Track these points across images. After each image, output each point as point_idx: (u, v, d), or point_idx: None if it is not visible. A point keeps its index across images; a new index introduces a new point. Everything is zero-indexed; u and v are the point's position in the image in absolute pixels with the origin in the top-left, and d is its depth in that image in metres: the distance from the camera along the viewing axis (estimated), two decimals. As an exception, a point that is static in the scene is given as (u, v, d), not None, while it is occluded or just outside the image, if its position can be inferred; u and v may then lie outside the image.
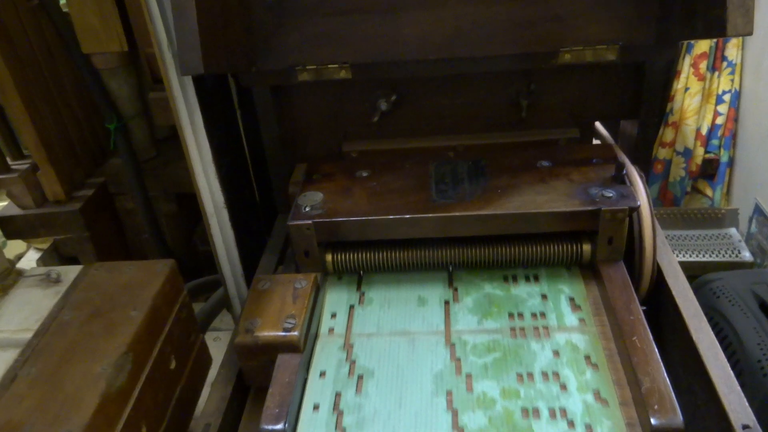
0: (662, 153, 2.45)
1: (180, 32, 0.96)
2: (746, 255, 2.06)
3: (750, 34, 0.88)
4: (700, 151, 2.40)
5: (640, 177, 1.08)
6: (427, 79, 1.27)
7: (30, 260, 1.81)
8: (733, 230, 2.18)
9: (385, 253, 1.09)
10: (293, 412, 0.87)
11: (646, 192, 1.05)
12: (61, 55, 1.71)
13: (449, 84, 1.28)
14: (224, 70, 1.21)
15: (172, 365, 1.13)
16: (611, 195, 1.02)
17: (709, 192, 2.48)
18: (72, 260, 1.77)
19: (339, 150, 1.34)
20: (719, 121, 2.34)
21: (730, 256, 2.08)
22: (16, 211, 1.73)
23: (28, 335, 1.03)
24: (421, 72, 1.20)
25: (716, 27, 0.91)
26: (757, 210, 2.10)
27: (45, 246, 1.81)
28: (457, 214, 1.03)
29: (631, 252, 1.07)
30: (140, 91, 1.76)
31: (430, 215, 1.04)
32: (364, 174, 1.17)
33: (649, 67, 1.20)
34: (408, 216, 1.04)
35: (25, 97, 1.56)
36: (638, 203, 1.01)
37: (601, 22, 1.10)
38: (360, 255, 1.10)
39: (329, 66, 1.17)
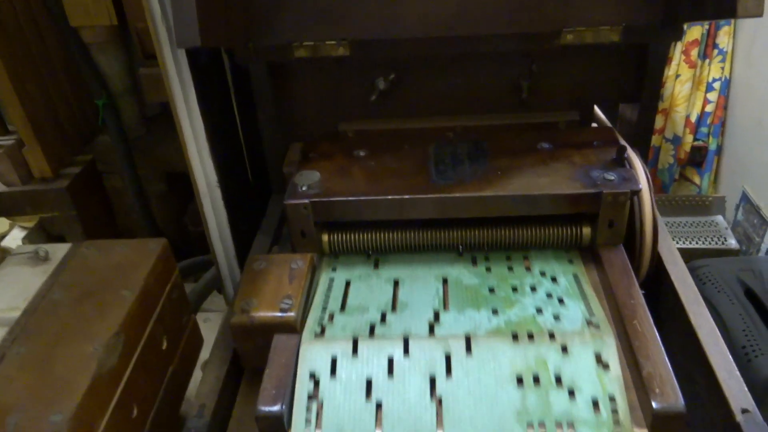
0: (652, 140, 2.45)
1: (176, 3, 0.93)
2: (732, 242, 2.08)
3: (760, 15, 0.86)
4: (689, 138, 2.40)
5: (640, 161, 1.07)
6: (427, 59, 1.25)
7: (15, 238, 1.77)
8: (719, 218, 2.19)
9: (382, 234, 1.07)
10: (290, 393, 0.86)
11: (647, 176, 1.04)
12: (49, 29, 1.66)
13: (450, 64, 1.26)
14: (221, 43, 1.18)
15: (164, 346, 1.11)
16: (613, 178, 1.01)
17: (696, 179, 2.49)
18: (59, 239, 1.73)
19: (335, 130, 1.32)
20: (709, 108, 2.35)
21: (716, 243, 2.09)
22: (0, 188, 1.69)
23: (17, 314, 1.00)
24: (422, 51, 1.18)
25: (726, 8, 0.90)
26: (744, 198, 2.12)
27: (30, 224, 1.77)
28: (457, 195, 1.02)
29: (630, 237, 1.06)
30: (130, 68, 1.72)
31: (430, 196, 1.02)
32: (362, 154, 1.15)
33: (652, 50, 1.19)
34: (407, 196, 1.02)
35: (10, 71, 1.51)
36: (640, 186, 1.00)
37: (605, 2, 1.08)
38: (356, 235, 1.08)
39: (327, 42, 1.14)
